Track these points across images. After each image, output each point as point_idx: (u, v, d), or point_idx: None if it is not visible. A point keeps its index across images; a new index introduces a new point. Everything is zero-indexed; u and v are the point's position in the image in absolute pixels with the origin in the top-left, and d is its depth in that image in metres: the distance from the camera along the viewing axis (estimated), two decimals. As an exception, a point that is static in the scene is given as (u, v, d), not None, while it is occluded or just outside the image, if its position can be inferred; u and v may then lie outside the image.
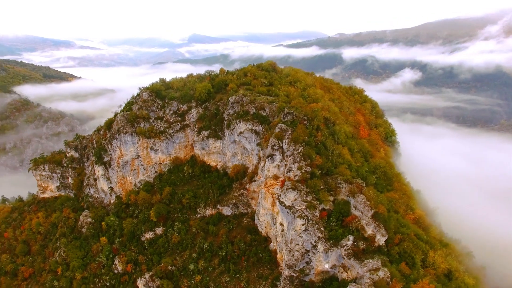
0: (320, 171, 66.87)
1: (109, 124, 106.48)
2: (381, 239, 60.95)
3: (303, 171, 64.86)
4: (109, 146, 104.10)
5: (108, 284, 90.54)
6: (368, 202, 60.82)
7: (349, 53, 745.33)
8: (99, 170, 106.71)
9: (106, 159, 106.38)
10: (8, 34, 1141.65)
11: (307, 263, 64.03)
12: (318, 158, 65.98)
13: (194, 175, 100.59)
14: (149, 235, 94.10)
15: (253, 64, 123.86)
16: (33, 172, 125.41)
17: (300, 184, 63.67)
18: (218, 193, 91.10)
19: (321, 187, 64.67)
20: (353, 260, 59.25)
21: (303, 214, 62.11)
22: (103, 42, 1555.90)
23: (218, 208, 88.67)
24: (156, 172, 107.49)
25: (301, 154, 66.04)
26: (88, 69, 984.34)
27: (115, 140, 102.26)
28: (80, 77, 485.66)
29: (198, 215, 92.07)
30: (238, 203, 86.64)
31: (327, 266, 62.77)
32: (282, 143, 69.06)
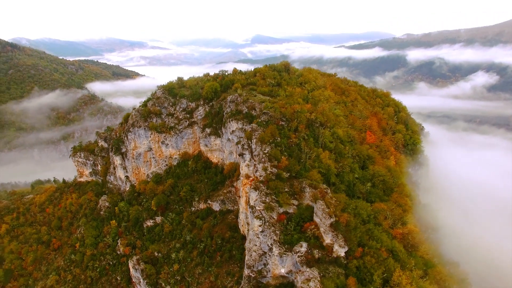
0: (288, 174, 65.63)
1: (127, 118, 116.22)
2: (339, 250, 57.82)
3: (268, 172, 64.38)
4: (126, 138, 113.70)
5: (110, 263, 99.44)
6: (327, 210, 58.14)
7: (415, 55, 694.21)
8: (117, 160, 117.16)
9: (123, 150, 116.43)
10: (95, 37, 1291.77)
11: (264, 265, 63.50)
12: (283, 160, 64.77)
13: (196, 170, 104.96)
14: (149, 223, 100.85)
15: (267, 64, 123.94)
16: (72, 158, 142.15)
17: (262, 185, 63.41)
18: (211, 189, 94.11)
19: (286, 189, 63.53)
20: (305, 267, 57.35)
21: (260, 215, 61.84)
22: (172, 42, 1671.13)
23: (209, 203, 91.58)
24: (166, 165, 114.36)
25: (266, 154, 65.53)
26: (156, 68, 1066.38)
27: (130, 133, 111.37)
28: (143, 75, 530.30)
29: (193, 208, 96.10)
30: (226, 199, 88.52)
31: (283, 270, 61.49)
32: (251, 143, 69.26)
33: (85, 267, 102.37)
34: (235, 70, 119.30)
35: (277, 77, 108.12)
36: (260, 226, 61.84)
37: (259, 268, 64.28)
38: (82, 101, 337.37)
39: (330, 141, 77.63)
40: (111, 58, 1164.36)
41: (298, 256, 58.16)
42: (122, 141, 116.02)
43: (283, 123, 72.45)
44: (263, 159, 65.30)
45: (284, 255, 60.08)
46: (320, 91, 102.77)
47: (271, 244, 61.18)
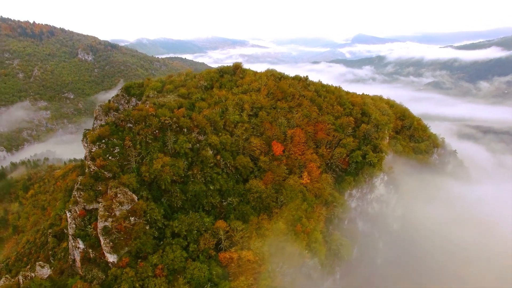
0: (111, 174, 67.21)
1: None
2: (108, 255, 57.60)
3: (90, 170, 67.38)
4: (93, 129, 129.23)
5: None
6: (101, 213, 58.32)
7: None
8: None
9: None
10: (202, 36, 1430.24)
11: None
12: (99, 160, 66.52)
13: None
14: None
15: (226, 65, 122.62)
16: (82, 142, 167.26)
17: (79, 180, 66.95)
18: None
19: (99, 188, 65.59)
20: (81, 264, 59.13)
21: (70, 208, 65.70)
22: (273, 41, 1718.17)
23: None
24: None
25: (91, 154, 68.35)
26: (252, 65, 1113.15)
27: (94, 125, 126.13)
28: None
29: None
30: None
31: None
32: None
33: (42, 234, 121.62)
34: (188, 71, 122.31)
35: (213, 79, 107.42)
36: (69, 217, 65.77)
37: (74, 257, 68.18)
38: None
39: (188, 147, 74.92)
40: (213, 56, 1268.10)
41: (79, 253, 60.29)
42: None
43: (131, 125, 73.71)
44: (87, 158, 68.67)
45: (76, 249, 62.81)
46: (242, 95, 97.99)
47: (73, 236, 64.58)
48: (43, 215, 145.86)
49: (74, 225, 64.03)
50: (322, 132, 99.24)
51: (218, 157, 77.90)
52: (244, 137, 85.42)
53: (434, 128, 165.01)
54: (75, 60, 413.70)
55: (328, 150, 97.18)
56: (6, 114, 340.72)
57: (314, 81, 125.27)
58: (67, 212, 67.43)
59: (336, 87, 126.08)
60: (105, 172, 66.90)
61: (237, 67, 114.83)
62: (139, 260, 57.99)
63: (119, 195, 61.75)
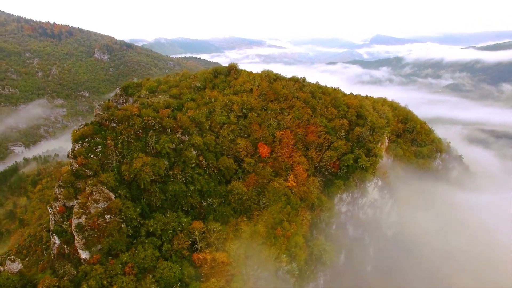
0: (92, 172, 68.63)
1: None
2: (81, 252, 58.92)
3: (73, 168, 68.99)
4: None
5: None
6: (76, 210, 59.65)
7: None
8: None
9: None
10: (219, 36, 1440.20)
11: (55, 251, 68.89)
12: (80, 158, 67.93)
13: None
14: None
15: (224, 65, 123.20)
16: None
17: (62, 177, 68.80)
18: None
19: (79, 185, 67.09)
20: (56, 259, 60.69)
21: (51, 204, 67.61)
22: (290, 41, 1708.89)
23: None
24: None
25: (73, 152, 69.90)
26: (268, 65, 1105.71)
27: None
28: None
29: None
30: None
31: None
32: (72, 140, 74.51)
33: (42, 228, 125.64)
34: (184, 71, 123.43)
35: (207, 79, 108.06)
36: (50, 213, 67.70)
37: (54, 252, 70.02)
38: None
39: (171, 147, 75.58)
40: (229, 55, 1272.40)
41: (55, 248, 61.94)
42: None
43: (114, 124, 74.98)
44: (70, 156, 70.38)
45: (53, 245, 64.53)
46: (233, 96, 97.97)
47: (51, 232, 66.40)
48: (47, 210, 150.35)
49: (53, 221, 65.93)
50: (313, 134, 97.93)
51: (201, 158, 78.24)
52: (230, 138, 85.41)
53: (443, 132, 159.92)
54: (91, 60, 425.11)
55: (318, 153, 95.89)
56: (25, 111, 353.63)
57: (311, 82, 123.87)
58: (48, 208, 69.57)
59: (334, 89, 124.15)
60: (86, 170, 68.32)
61: (232, 67, 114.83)
62: (110, 258, 59.11)
63: (95, 193, 63.01)
